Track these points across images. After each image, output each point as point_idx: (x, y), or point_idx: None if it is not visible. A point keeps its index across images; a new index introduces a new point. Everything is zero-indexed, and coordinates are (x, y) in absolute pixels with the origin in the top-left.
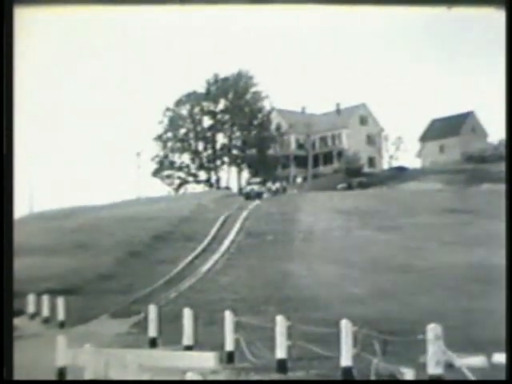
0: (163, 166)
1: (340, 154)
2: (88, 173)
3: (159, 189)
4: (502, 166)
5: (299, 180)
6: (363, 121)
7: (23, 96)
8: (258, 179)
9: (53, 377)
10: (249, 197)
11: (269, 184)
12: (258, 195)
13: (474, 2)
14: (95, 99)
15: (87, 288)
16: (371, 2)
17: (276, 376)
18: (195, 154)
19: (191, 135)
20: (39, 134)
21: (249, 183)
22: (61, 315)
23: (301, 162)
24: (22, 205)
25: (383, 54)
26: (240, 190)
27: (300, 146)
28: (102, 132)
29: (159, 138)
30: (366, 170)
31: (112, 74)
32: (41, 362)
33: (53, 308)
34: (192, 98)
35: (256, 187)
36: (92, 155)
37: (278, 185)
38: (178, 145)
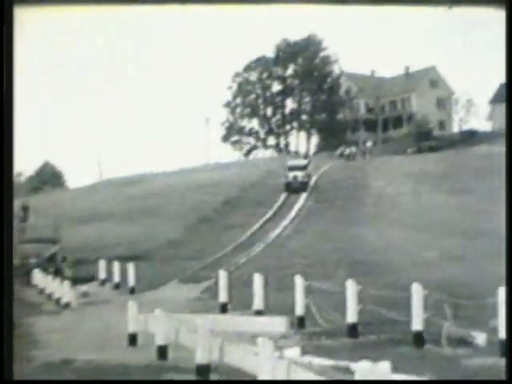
0: (232, 132)
1: (410, 117)
2: (157, 139)
3: (228, 154)
4: None
5: (369, 144)
6: (433, 84)
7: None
8: (302, 161)
9: (124, 342)
10: (290, 189)
11: (339, 150)
12: (303, 186)
13: (474, 1)
14: (164, 66)
15: (157, 254)
16: None
17: (347, 340)
18: (264, 119)
19: (260, 100)
20: (107, 104)
21: (290, 168)
22: (131, 281)
23: (370, 126)
24: (92, 172)
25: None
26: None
27: (369, 110)
28: (171, 99)
29: (228, 103)
30: (436, 133)
31: (181, 41)
32: (112, 328)
33: (123, 274)
34: (261, 63)
35: (300, 174)
36: (161, 122)
37: (348, 150)
38: (247, 110)
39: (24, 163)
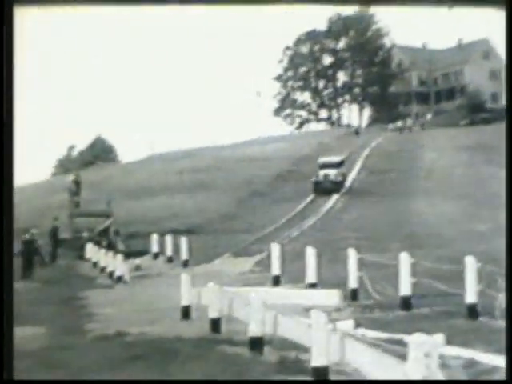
0: (284, 105)
1: (462, 89)
2: (209, 113)
3: (280, 128)
4: None
5: (423, 117)
6: (486, 56)
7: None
8: (335, 158)
9: (178, 316)
10: (319, 189)
11: (392, 122)
12: (335, 186)
13: (474, 2)
14: (216, 40)
15: (210, 227)
16: None
17: (400, 313)
18: (316, 92)
19: (312, 73)
20: (159, 78)
21: (322, 165)
22: (184, 254)
23: (423, 98)
24: (144, 147)
25: None
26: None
27: (422, 82)
28: (223, 72)
29: (279, 77)
30: (489, 105)
31: (231, 16)
32: (165, 302)
33: (176, 247)
34: (312, 36)
35: (332, 173)
36: (213, 96)
37: (401, 122)
38: (299, 83)
39: (76, 137)
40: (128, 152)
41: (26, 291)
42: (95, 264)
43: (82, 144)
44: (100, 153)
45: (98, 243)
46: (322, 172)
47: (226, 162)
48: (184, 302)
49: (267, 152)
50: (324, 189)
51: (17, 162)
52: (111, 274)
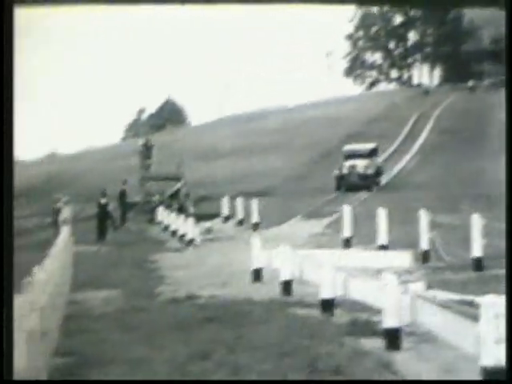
0: (354, 66)
1: None
2: (278, 74)
3: (350, 88)
4: None
5: (493, 76)
6: None
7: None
8: (366, 145)
9: (249, 278)
10: (343, 185)
11: (464, 82)
12: (364, 182)
13: (474, 2)
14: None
15: (280, 189)
16: None
17: (472, 274)
18: (386, 52)
19: (382, 33)
20: (229, 39)
21: (348, 154)
22: (255, 217)
23: (495, 57)
24: (214, 109)
25: None
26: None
27: (494, 40)
28: (293, 33)
29: (350, 36)
30: None
31: None
32: (236, 264)
33: (246, 210)
34: None
35: (361, 164)
36: (282, 56)
37: (472, 82)
38: (370, 43)
39: (146, 101)
40: (198, 114)
41: (100, 254)
42: (166, 227)
43: (152, 107)
44: (170, 116)
45: (168, 206)
46: (348, 163)
47: (297, 123)
48: (255, 265)
49: (338, 113)
50: (349, 185)
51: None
52: (182, 238)
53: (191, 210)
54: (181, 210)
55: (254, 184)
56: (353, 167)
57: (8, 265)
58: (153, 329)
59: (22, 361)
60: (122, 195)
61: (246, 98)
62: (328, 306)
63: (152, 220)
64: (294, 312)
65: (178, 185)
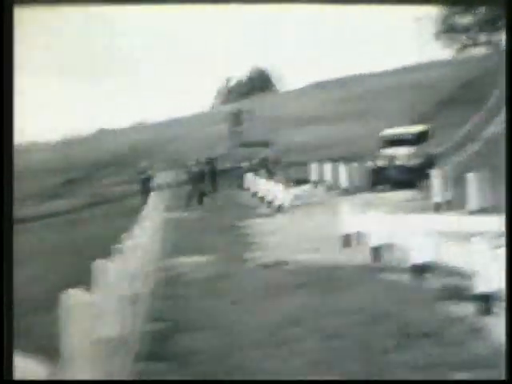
0: (444, 29)
1: None
2: (368, 40)
3: (440, 53)
4: None
5: None
6: None
7: None
8: (410, 128)
9: (338, 244)
10: (382, 181)
11: None
12: (410, 176)
13: (474, 2)
14: None
15: (369, 155)
16: None
17: None
18: (476, 15)
19: None
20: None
21: (388, 141)
22: (344, 182)
23: None
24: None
25: None
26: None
27: None
28: None
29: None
30: None
31: None
32: (325, 230)
33: (335, 176)
34: None
35: (404, 153)
36: (371, 22)
37: None
38: (460, 7)
39: (234, 68)
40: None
41: (190, 221)
42: (255, 193)
43: (240, 75)
44: (258, 83)
45: (257, 173)
46: (386, 152)
47: (386, 88)
48: (344, 230)
49: (428, 77)
50: (388, 179)
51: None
52: (271, 203)
53: (280, 175)
54: (270, 175)
55: (342, 149)
56: (392, 158)
57: (8, 272)
58: (243, 295)
59: (117, 327)
60: (212, 162)
61: (334, 64)
62: (419, 271)
63: (242, 186)
64: (384, 277)
65: (267, 151)
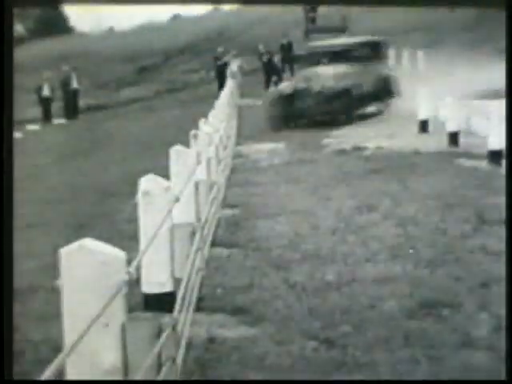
0: None
1: None
2: None
3: None
4: None
5: None
6: None
7: None
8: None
9: (415, 130)
10: (289, 120)
11: None
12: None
13: (474, 2)
14: None
15: (448, 42)
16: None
17: None
18: None
19: None
20: None
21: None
22: (421, 68)
23: None
24: None
25: None
26: None
27: None
28: None
29: None
30: None
31: None
32: (402, 114)
33: (413, 60)
34: None
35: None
36: None
37: None
38: None
39: None
40: None
41: (264, 107)
42: None
43: None
44: None
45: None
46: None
47: None
48: (422, 116)
49: None
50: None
51: None
52: None
53: None
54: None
55: (419, 37)
56: (313, 79)
57: (8, 270)
58: (319, 181)
59: (192, 213)
60: (287, 48)
61: None
62: (496, 157)
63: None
64: (461, 163)
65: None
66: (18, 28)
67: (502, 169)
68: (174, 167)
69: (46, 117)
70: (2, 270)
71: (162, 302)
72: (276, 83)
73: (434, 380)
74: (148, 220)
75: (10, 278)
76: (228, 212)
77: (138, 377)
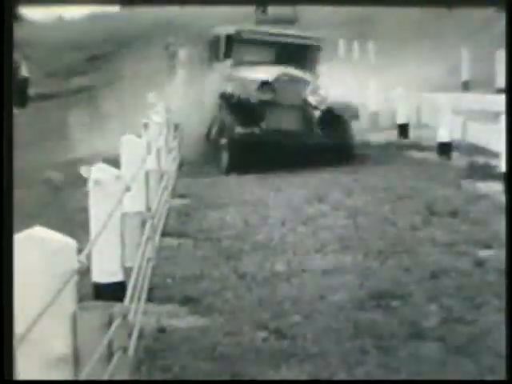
0: None
1: None
2: None
3: None
4: None
5: None
6: None
7: None
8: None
9: (365, 122)
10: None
11: None
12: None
13: (474, 2)
14: None
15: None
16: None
17: None
18: None
19: None
20: None
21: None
22: (371, 58)
23: None
24: None
25: None
26: None
27: None
28: None
29: None
30: None
31: None
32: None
33: (363, 51)
34: None
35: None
36: None
37: None
38: None
39: None
40: None
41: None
42: None
43: None
44: None
45: None
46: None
47: None
48: (373, 108)
49: None
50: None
51: None
52: None
53: None
54: None
55: (371, 27)
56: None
57: (8, 269)
58: (267, 173)
59: (143, 202)
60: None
61: None
62: (445, 149)
63: None
64: (410, 155)
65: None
66: None
67: (452, 161)
68: (124, 156)
69: None
70: (1, 270)
71: (112, 292)
72: None
73: (434, 380)
74: (99, 209)
75: (10, 278)
76: (178, 202)
77: (89, 366)
